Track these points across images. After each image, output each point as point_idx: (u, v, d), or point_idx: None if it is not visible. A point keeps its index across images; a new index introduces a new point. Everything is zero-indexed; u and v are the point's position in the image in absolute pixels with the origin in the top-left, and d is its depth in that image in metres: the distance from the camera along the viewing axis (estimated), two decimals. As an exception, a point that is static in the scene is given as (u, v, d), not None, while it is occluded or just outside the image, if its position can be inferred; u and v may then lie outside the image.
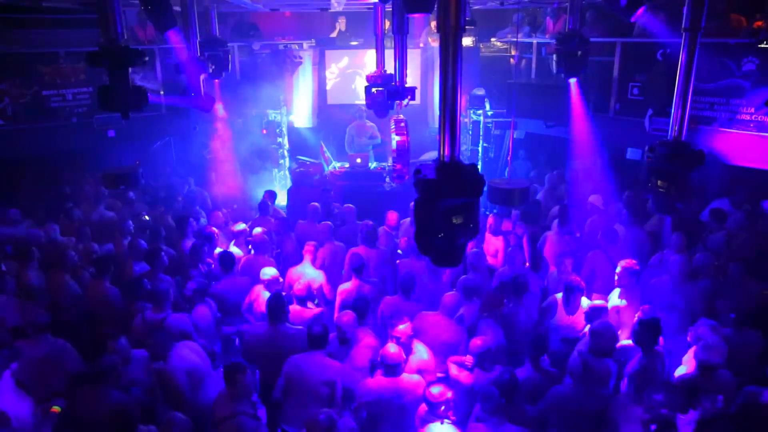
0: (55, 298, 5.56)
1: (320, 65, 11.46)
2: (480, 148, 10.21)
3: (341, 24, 11.84)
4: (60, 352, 4.57)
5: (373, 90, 7.19)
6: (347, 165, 9.57)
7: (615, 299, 5.36)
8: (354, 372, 4.46)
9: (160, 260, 5.90)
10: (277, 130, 10.88)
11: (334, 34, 11.93)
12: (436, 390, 3.80)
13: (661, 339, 4.38)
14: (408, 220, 7.09)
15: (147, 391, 4.44)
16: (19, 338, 4.62)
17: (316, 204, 7.38)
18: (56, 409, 4.08)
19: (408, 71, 7.37)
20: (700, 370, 4.11)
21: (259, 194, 8.49)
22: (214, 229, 7.05)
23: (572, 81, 7.54)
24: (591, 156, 8.38)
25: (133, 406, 4.07)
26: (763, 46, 6.60)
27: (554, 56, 7.20)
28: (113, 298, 5.58)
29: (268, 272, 5.52)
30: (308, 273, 5.97)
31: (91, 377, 4.07)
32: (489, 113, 10.01)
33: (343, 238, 6.89)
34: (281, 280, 5.72)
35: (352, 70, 11.56)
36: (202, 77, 7.95)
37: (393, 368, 4.15)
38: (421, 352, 4.53)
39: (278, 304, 4.82)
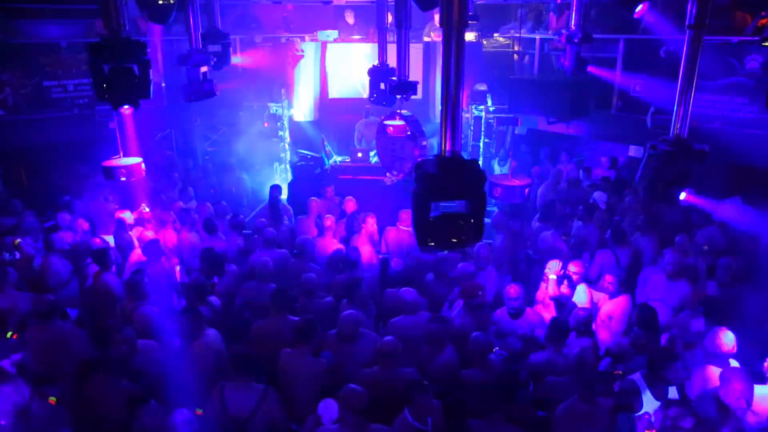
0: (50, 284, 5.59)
1: (322, 59, 11.41)
2: (481, 144, 10.19)
3: (349, 18, 11.76)
4: (68, 336, 4.62)
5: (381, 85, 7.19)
6: (348, 159, 9.57)
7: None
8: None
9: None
10: (278, 124, 10.87)
11: (350, 21, 11.81)
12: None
13: None
14: None
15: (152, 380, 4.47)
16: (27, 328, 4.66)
17: (316, 199, 7.39)
18: (53, 400, 4.10)
19: (410, 65, 7.34)
20: None
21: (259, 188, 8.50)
22: None
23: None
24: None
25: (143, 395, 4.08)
26: (767, 44, 6.57)
27: (556, 52, 7.18)
28: (115, 289, 5.59)
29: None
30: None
31: (101, 366, 4.11)
32: (491, 109, 9.98)
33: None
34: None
35: (354, 64, 11.51)
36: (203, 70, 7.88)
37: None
38: None
39: (282, 295, 4.88)
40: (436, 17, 10.97)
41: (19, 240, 6.28)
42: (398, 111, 7.77)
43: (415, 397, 3.67)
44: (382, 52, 7.43)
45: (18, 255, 6.13)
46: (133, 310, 5.03)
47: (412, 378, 4.04)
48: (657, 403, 3.91)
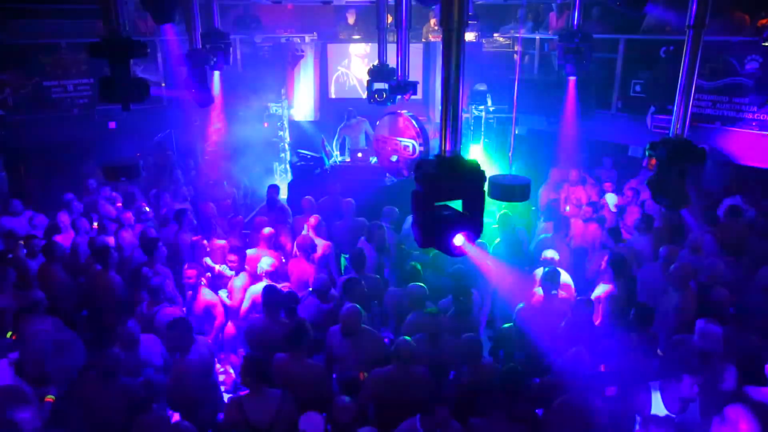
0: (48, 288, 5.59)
1: (322, 59, 11.41)
2: (481, 144, 10.18)
3: (350, 18, 11.75)
4: (58, 334, 4.60)
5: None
6: (348, 159, 9.56)
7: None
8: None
9: (158, 251, 5.91)
10: (278, 124, 10.87)
11: (351, 21, 11.78)
12: None
13: None
14: None
15: (159, 371, 4.49)
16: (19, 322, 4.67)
17: (310, 197, 7.37)
18: (50, 398, 4.10)
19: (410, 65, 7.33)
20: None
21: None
22: None
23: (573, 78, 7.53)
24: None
25: (143, 389, 4.11)
26: (767, 44, 6.57)
27: (557, 52, 7.19)
28: (117, 288, 5.60)
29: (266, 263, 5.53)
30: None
31: (98, 369, 4.10)
32: (491, 109, 9.98)
33: (340, 232, 6.89)
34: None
35: (353, 64, 11.51)
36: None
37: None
38: None
39: (272, 295, 4.85)
40: (433, 20, 11.07)
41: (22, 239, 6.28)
42: (398, 111, 7.77)
43: (435, 409, 3.60)
44: (382, 53, 7.43)
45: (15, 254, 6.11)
46: (155, 313, 5.04)
47: (432, 386, 4.03)
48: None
